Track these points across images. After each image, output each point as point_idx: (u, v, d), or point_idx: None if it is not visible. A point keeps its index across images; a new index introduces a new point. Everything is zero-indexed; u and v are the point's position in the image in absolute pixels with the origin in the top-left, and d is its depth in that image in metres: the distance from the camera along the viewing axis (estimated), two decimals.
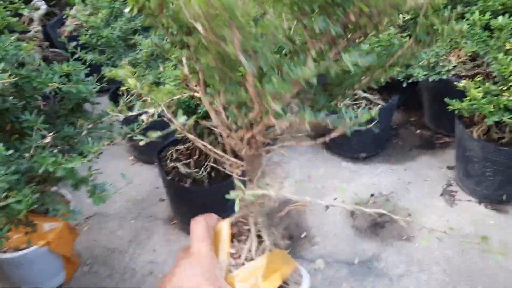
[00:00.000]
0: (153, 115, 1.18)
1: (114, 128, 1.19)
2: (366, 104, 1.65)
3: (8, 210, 0.79)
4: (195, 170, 1.41)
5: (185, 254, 0.59)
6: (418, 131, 1.94)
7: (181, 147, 1.50)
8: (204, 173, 1.40)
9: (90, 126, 1.18)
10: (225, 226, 0.66)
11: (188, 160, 1.43)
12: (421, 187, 1.66)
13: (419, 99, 1.96)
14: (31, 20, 2.28)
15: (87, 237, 1.55)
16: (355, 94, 1.67)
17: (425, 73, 1.53)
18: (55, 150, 1.06)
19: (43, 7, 2.28)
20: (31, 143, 0.96)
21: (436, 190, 1.64)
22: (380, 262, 1.40)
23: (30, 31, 2.01)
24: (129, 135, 1.16)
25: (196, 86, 0.62)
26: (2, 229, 0.83)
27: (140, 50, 1.58)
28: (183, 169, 1.42)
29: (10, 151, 0.84)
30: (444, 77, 1.56)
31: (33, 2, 2.30)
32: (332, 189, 1.68)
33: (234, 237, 0.66)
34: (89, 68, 1.24)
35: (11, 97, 1.03)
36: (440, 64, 1.57)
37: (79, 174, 0.94)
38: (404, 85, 1.58)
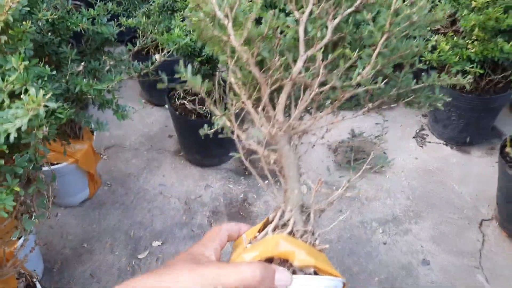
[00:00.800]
0: (164, 55, 1.41)
1: (131, 65, 1.42)
2: None
3: (55, 117, 1.02)
4: (200, 106, 1.65)
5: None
6: None
7: (188, 87, 1.73)
8: (207, 109, 1.64)
9: (112, 62, 1.42)
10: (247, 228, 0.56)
11: (193, 97, 1.66)
12: (396, 131, 1.89)
13: None
14: None
15: (107, 163, 1.81)
16: None
17: None
18: (84, 80, 1.30)
19: None
20: (67, 71, 1.20)
21: (409, 134, 1.87)
22: (354, 189, 1.65)
23: None
24: (144, 71, 1.40)
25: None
26: (48, 134, 1.07)
27: (153, 2, 1.80)
28: (189, 106, 1.66)
29: (54, 72, 1.07)
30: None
31: None
32: (317, 131, 1.92)
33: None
34: (109, 15, 1.47)
35: (49, 34, 1.27)
36: None
37: (105, 96, 1.18)
38: None
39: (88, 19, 1.35)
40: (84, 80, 1.13)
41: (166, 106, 1.67)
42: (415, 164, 1.74)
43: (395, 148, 1.82)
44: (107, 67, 1.39)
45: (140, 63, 1.41)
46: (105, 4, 1.89)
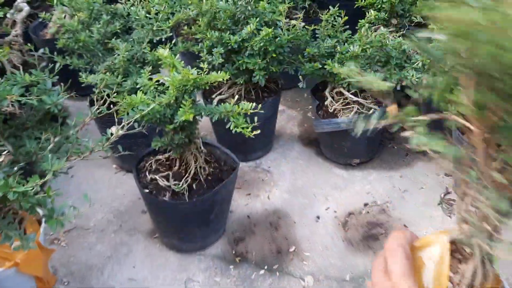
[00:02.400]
0: (123, 127, 1.10)
1: (80, 141, 1.11)
2: (358, 109, 1.56)
3: None
4: (175, 183, 1.32)
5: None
6: None
7: (161, 157, 1.41)
8: (184, 185, 1.32)
9: (56, 139, 1.10)
10: (440, 243, 0.50)
11: (167, 173, 1.34)
12: (418, 196, 1.57)
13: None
14: (14, 22, 2.20)
15: (65, 252, 1.47)
16: (346, 98, 1.58)
17: (419, 75, 1.44)
18: (15, 168, 0.98)
19: (26, 8, 2.19)
20: None
21: (433, 199, 1.55)
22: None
23: (9, 35, 1.93)
24: (96, 150, 1.08)
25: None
26: None
27: (118, 54, 1.50)
28: (161, 182, 1.33)
29: None
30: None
31: (16, 3, 2.22)
32: (323, 197, 1.60)
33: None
34: (58, 77, 1.17)
35: None
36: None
37: (34, 198, 0.86)
38: (398, 88, 1.49)
39: (23, 87, 1.04)
40: (0, 180, 0.81)
41: (135, 182, 1.35)
42: None
43: (418, 218, 1.49)
44: (50, 146, 1.08)
45: (90, 140, 1.09)
46: (63, 57, 1.60)
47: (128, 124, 1.09)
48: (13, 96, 0.98)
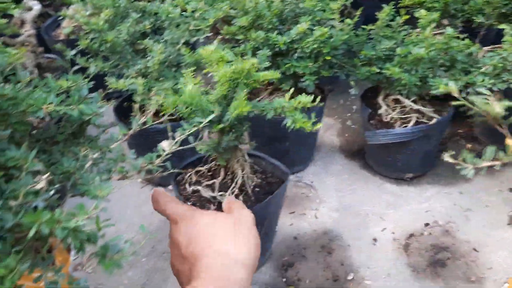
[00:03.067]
0: (176, 142, 0.93)
1: (126, 158, 0.94)
2: (417, 118, 1.41)
3: None
4: (221, 193, 1.15)
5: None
6: (468, 145, 1.70)
7: (202, 168, 1.25)
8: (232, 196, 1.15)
9: (96, 155, 0.94)
10: None
11: (213, 181, 1.17)
12: (482, 215, 1.42)
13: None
14: (22, 22, 2.03)
15: (91, 279, 1.30)
16: (404, 106, 1.42)
17: (491, 81, 1.29)
18: (51, 192, 0.81)
19: (36, 7, 2.02)
20: (19, 188, 0.71)
21: (501, 219, 1.40)
22: None
23: (21, 35, 1.76)
24: (146, 168, 0.92)
25: None
26: None
27: (152, 57, 1.34)
28: (205, 193, 1.16)
29: None
30: None
31: (24, 1, 2.04)
32: (376, 217, 1.44)
33: None
34: (93, 82, 1.00)
35: None
36: (508, 69, 1.32)
37: (84, 232, 0.69)
38: (463, 95, 1.34)
39: (58, 95, 0.87)
40: (45, 213, 0.64)
41: (174, 194, 1.18)
42: None
43: (486, 240, 1.34)
44: (88, 163, 0.91)
45: (139, 158, 0.92)
46: (87, 61, 1.44)
47: (182, 135, 0.93)
48: (49, 106, 0.82)
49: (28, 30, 1.81)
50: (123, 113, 1.52)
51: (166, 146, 0.91)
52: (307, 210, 1.47)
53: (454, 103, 0.82)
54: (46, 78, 0.92)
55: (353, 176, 1.60)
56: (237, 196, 1.17)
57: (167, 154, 0.91)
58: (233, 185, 1.18)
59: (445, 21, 1.70)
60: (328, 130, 1.84)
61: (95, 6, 1.52)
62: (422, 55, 1.29)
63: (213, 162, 1.21)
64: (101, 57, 1.46)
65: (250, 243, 0.69)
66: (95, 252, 0.72)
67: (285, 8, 1.34)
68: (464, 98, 0.86)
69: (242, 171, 1.18)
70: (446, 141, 1.72)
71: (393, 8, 1.44)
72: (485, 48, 1.49)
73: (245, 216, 0.74)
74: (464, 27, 1.75)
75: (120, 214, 1.49)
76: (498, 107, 0.66)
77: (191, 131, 0.90)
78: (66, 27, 2.05)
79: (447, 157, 0.72)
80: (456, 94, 0.76)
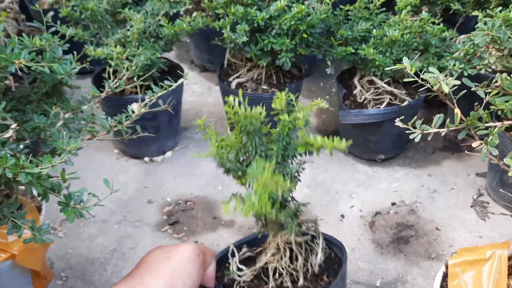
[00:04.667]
0: (146, 104, 0.95)
1: (96, 118, 0.96)
2: (390, 100, 1.44)
3: None
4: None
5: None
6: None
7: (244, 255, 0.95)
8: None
9: (67, 115, 0.95)
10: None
11: (252, 270, 0.90)
12: (448, 197, 1.46)
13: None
14: None
15: (62, 244, 1.32)
16: (378, 88, 1.45)
17: (461, 65, 1.33)
18: (21, 146, 0.83)
19: None
20: None
21: (465, 200, 1.44)
22: (406, 285, 1.20)
23: (3, 1, 1.75)
24: (115, 129, 0.93)
25: None
26: None
27: (131, 26, 1.35)
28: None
29: None
30: (482, 71, 1.35)
31: None
32: (346, 195, 1.48)
33: None
34: (68, 45, 1.01)
35: None
36: (477, 56, 1.36)
37: (48, 181, 0.71)
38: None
39: (31, 52, 0.88)
40: (11, 159, 0.66)
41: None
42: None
43: (450, 220, 1.38)
44: (60, 123, 0.92)
45: (109, 117, 0.94)
46: (67, 27, 1.44)
47: (151, 101, 0.95)
48: (21, 61, 0.83)
49: None
50: (102, 86, 1.53)
51: (135, 107, 0.93)
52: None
53: (406, 79, 0.84)
54: (21, 36, 0.93)
55: (327, 156, 1.63)
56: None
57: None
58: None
59: (425, 8, 1.74)
60: None
61: None
62: (396, 37, 1.32)
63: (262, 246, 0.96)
64: (81, 25, 1.47)
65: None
66: (60, 201, 0.74)
67: None
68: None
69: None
70: None
71: None
72: (462, 36, 1.52)
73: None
74: (443, 16, 1.79)
75: (95, 183, 1.50)
76: (445, 86, 0.71)
77: (160, 93, 0.92)
78: None
79: (397, 122, 0.75)
80: (409, 71, 0.79)
